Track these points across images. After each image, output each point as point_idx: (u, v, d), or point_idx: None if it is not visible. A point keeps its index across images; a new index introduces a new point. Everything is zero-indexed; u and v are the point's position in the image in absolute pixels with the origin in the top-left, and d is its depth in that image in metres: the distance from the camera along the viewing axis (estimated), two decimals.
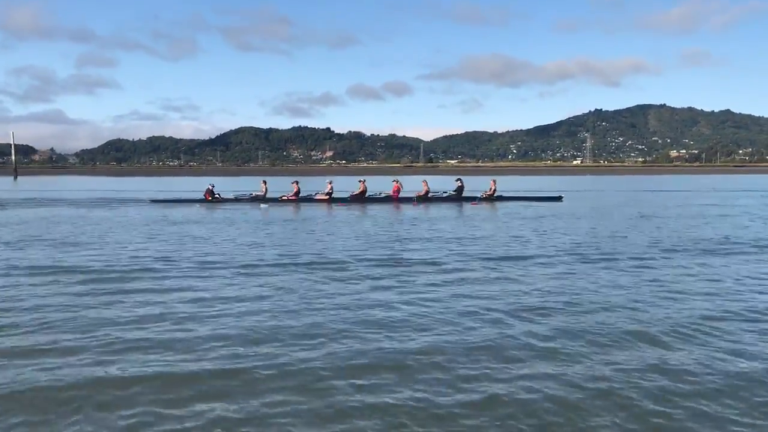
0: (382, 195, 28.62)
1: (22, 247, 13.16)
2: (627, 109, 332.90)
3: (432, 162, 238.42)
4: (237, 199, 28.23)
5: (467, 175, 69.84)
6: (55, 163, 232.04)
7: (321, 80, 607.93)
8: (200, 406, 4.68)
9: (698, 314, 7.37)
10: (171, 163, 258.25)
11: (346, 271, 10.23)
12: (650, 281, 9.40)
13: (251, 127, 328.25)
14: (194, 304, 7.83)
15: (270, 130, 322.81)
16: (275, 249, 12.75)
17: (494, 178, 32.33)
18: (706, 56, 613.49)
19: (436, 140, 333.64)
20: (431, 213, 22.48)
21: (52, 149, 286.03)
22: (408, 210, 23.89)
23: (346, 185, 34.19)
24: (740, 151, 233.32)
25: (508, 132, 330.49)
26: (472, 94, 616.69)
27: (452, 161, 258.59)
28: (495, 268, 10.49)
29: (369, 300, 8.15)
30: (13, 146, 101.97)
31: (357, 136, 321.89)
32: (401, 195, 28.19)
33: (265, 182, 29.55)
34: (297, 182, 28.83)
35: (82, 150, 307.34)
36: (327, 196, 27.84)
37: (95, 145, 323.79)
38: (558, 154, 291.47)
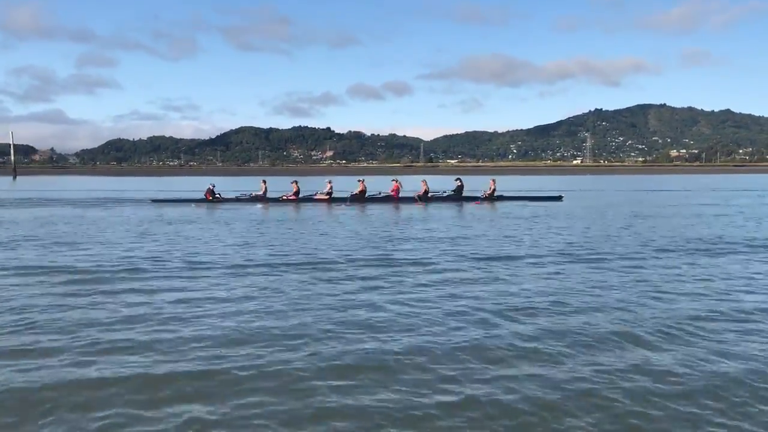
0: (382, 195, 28.58)
1: (13, 247, 13.14)
2: (627, 108, 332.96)
3: (432, 162, 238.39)
4: (238, 199, 28.23)
5: (467, 174, 69.88)
6: (56, 163, 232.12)
7: (321, 80, 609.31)
8: (175, 408, 4.66)
9: (684, 314, 7.34)
10: (171, 163, 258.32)
11: (335, 271, 10.19)
12: (639, 281, 9.37)
13: (251, 126, 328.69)
14: (179, 305, 7.80)
15: (270, 130, 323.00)
16: (266, 249, 12.72)
17: (493, 177, 32.33)
18: (706, 56, 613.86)
19: (436, 140, 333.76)
20: (427, 213, 22.45)
21: (52, 149, 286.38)
22: (406, 210, 23.88)
23: (346, 185, 34.12)
24: (740, 151, 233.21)
25: (508, 132, 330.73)
26: (472, 93, 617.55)
27: (452, 161, 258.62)
28: (485, 268, 10.46)
29: (356, 300, 8.12)
30: (12, 146, 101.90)
31: (357, 136, 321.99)
32: (401, 195, 28.16)
33: (264, 182, 29.54)
34: (296, 182, 28.83)
35: (83, 150, 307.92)
36: (327, 196, 27.80)
37: (95, 145, 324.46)
38: (558, 154, 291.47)
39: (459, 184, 28.72)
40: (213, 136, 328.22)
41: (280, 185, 34.99)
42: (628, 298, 8.22)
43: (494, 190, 28.50)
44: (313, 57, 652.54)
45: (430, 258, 11.50)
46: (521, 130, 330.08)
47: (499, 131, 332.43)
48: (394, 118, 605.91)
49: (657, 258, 11.57)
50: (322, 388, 5.06)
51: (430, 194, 28.13)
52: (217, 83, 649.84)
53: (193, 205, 27.12)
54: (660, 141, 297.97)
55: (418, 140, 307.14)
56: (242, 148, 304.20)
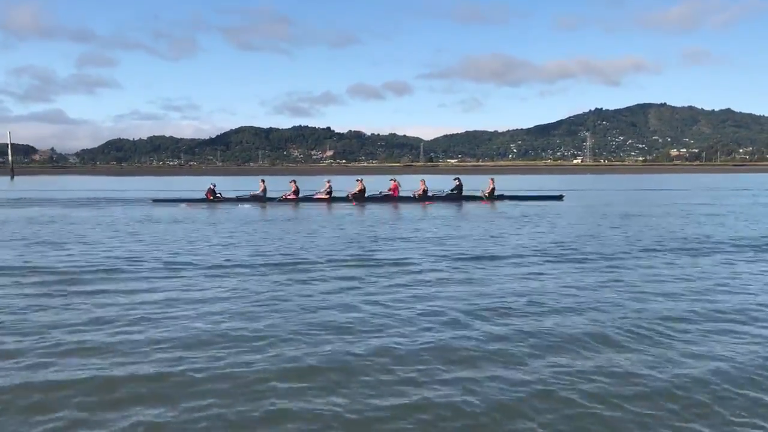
0: (381, 194, 28.50)
1: None
2: (627, 108, 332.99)
3: (432, 161, 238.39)
4: (238, 199, 28.21)
5: (467, 174, 69.78)
6: (56, 162, 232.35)
7: (321, 80, 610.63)
8: (124, 411, 4.61)
9: (657, 315, 7.28)
10: (171, 163, 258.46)
11: (314, 271, 10.14)
12: (618, 281, 9.31)
13: (251, 126, 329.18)
14: (151, 306, 7.75)
15: (270, 130, 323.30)
16: (249, 249, 12.67)
17: (492, 177, 32.31)
18: (707, 55, 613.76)
19: (436, 139, 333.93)
20: (423, 212, 22.38)
21: (52, 149, 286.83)
22: (403, 209, 23.88)
23: (346, 185, 34.04)
24: (740, 150, 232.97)
25: (508, 131, 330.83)
26: (472, 93, 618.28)
27: (452, 160, 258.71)
28: (465, 269, 10.41)
29: (329, 301, 8.07)
30: (9, 146, 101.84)
31: (357, 136, 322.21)
32: (400, 194, 28.14)
33: (263, 181, 29.52)
34: (294, 181, 28.82)
35: (83, 150, 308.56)
36: (327, 196, 27.76)
37: (96, 144, 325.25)
38: (558, 154, 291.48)
39: (458, 183, 28.68)
40: (213, 136, 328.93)
41: (280, 185, 34.95)
42: (604, 299, 8.16)
43: (493, 189, 28.48)
44: (313, 57, 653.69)
45: (412, 258, 11.45)
46: (521, 129, 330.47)
47: (500, 131, 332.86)
48: (394, 118, 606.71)
49: (641, 258, 11.51)
50: (278, 390, 5.01)
51: (430, 194, 28.10)
52: (217, 83, 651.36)
53: (183, 204, 27.08)
54: (660, 140, 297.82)
55: (418, 140, 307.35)
56: (242, 147, 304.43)
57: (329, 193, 27.84)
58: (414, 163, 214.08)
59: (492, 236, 14.84)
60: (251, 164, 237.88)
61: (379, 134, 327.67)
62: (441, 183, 37.49)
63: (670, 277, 9.58)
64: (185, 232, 16.08)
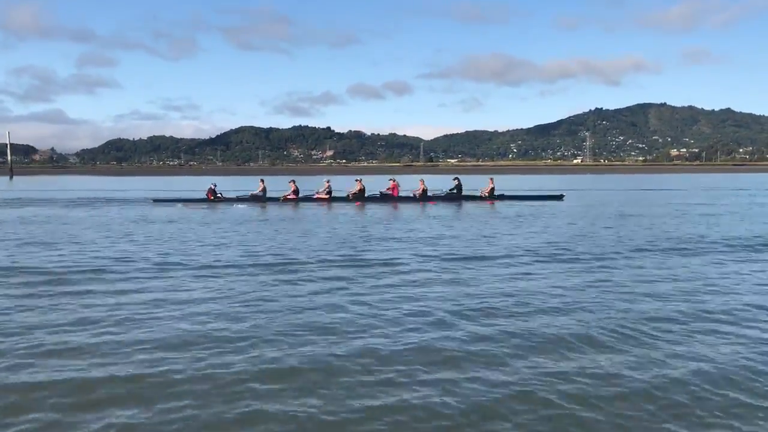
0: (380, 194, 28.43)
1: None
2: (627, 107, 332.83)
3: (432, 161, 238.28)
4: (239, 199, 28.22)
5: (466, 174, 69.75)
6: (56, 162, 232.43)
7: (321, 79, 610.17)
8: (99, 412, 4.58)
9: (644, 315, 7.26)
10: (171, 163, 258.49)
11: (302, 272, 10.11)
12: (607, 281, 9.28)
13: (251, 126, 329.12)
14: (136, 306, 7.73)
15: (270, 130, 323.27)
16: (240, 249, 12.64)
17: (492, 176, 32.31)
18: (707, 54, 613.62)
19: (436, 139, 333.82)
20: (418, 212, 22.34)
21: (52, 149, 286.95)
22: (401, 209, 23.86)
23: (346, 185, 34.01)
24: (741, 150, 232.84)
25: (508, 131, 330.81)
26: (472, 93, 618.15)
27: (452, 160, 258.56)
28: (454, 269, 10.38)
29: (315, 302, 8.04)
30: (8, 146, 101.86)
31: (357, 136, 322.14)
32: (400, 194, 28.13)
33: (262, 181, 29.52)
34: (293, 181, 28.84)
35: (83, 150, 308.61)
36: (327, 195, 27.75)
37: (96, 144, 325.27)
38: (558, 153, 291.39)
39: (457, 183, 28.65)
40: (213, 136, 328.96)
41: (280, 185, 34.93)
42: (591, 299, 8.13)
43: (493, 188, 28.47)
44: (313, 56, 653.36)
45: (402, 258, 11.42)
46: (521, 129, 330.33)
47: (500, 130, 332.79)
48: (394, 118, 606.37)
49: (632, 258, 11.48)
50: (256, 391, 4.98)
51: (429, 193, 28.09)
52: (217, 83, 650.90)
53: (179, 204, 27.07)
54: (660, 140, 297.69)
55: (418, 140, 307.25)
56: (242, 147, 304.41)
57: (329, 193, 27.83)
58: (414, 163, 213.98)
59: (485, 236, 14.81)
60: (251, 164, 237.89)
61: (379, 134, 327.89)
62: (441, 183, 37.47)
63: (660, 278, 9.56)
64: (179, 232, 16.06)
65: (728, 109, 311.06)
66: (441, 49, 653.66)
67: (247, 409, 4.64)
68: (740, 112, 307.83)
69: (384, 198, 28.06)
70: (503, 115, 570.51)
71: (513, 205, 26.00)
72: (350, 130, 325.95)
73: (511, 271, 10.24)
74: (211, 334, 6.57)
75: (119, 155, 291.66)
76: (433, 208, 24.06)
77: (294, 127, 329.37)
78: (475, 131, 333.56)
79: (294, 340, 6.40)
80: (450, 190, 28.68)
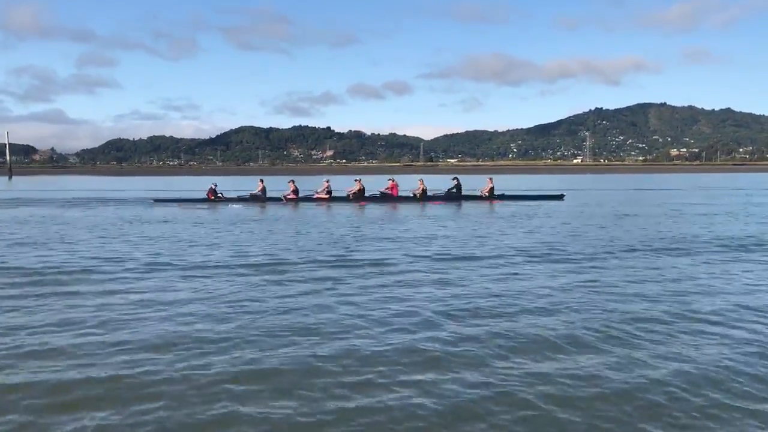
0: (380, 193, 28.41)
1: None
2: (627, 107, 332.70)
3: (432, 161, 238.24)
4: (239, 198, 28.23)
5: (466, 174, 69.76)
6: (56, 162, 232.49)
7: (321, 79, 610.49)
8: (75, 413, 4.56)
9: (631, 316, 7.22)
10: (171, 163, 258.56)
11: (291, 272, 10.08)
12: (596, 282, 9.24)
13: (251, 126, 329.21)
14: (121, 307, 7.70)
15: (270, 130, 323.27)
16: (231, 250, 12.61)
17: (491, 176, 32.29)
18: (707, 54, 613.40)
19: (436, 139, 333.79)
20: (416, 212, 22.31)
21: (52, 149, 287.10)
22: (400, 209, 23.82)
23: (346, 185, 33.94)
24: (741, 150, 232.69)
25: (508, 131, 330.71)
26: (472, 92, 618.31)
27: (452, 160, 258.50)
28: (444, 269, 10.34)
29: (302, 302, 8.01)
30: (7, 145, 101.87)
31: (357, 135, 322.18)
32: (399, 193, 28.12)
33: (262, 181, 29.52)
34: (293, 181, 28.85)
35: (83, 150, 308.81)
36: (327, 195, 27.74)
37: (96, 144, 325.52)
38: (558, 153, 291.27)
39: (456, 183, 28.62)
40: (213, 136, 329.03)
41: (280, 185, 34.90)
42: (579, 299, 8.10)
43: (492, 188, 28.43)
44: (313, 56, 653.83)
45: (393, 258, 11.39)
46: (521, 129, 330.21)
47: (500, 130, 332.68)
48: (394, 118, 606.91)
49: (624, 258, 11.45)
50: (233, 393, 4.95)
51: (429, 193, 28.07)
52: (217, 83, 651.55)
53: (175, 204, 27.04)
54: (660, 140, 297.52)
55: (418, 139, 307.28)
56: (242, 147, 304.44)
57: (328, 192, 27.82)
58: (414, 163, 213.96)
59: (478, 236, 14.77)
60: (251, 164, 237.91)
61: (379, 134, 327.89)
62: (440, 183, 37.44)
63: (649, 278, 9.52)
64: (173, 232, 16.03)
65: (728, 109, 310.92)
66: (441, 48, 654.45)
67: (222, 411, 4.62)
68: (740, 112, 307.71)
69: (383, 198, 28.06)
70: (503, 115, 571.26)
71: (513, 205, 25.97)
72: (350, 130, 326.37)
73: (501, 271, 10.20)
74: (194, 334, 6.54)
75: (119, 155, 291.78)
76: (431, 208, 24.05)
77: (294, 127, 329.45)
78: (475, 131, 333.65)
79: (277, 341, 6.37)
80: (449, 190, 28.65)
